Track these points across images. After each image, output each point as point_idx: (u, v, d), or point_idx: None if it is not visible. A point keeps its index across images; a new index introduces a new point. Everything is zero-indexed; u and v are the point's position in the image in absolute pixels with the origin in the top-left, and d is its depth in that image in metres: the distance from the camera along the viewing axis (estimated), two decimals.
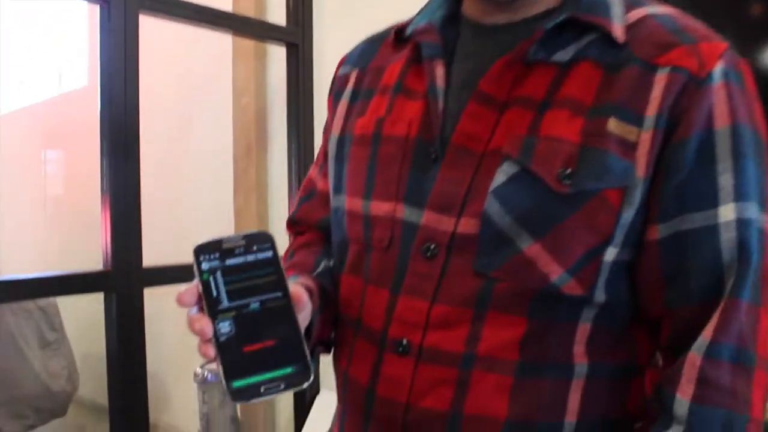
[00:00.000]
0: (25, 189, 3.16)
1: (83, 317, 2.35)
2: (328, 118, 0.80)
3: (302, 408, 1.89)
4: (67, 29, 2.91)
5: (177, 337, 2.32)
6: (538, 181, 0.59)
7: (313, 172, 0.85)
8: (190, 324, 0.54)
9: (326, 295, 0.72)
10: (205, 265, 0.55)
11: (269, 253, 0.56)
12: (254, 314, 0.54)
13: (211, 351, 0.53)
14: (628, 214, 0.58)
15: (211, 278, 0.55)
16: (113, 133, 1.41)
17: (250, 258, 0.56)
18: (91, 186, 1.45)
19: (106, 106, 1.40)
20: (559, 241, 0.59)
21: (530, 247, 0.59)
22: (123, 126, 1.42)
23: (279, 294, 0.55)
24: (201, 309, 0.55)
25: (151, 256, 1.52)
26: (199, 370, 1.98)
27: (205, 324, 0.53)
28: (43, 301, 2.34)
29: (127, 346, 1.44)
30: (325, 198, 0.80)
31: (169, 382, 2.52)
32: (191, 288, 0.55)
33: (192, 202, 2.35)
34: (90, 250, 1.49)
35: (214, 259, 0.55)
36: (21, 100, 3.15)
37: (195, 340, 0.54)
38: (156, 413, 2.47)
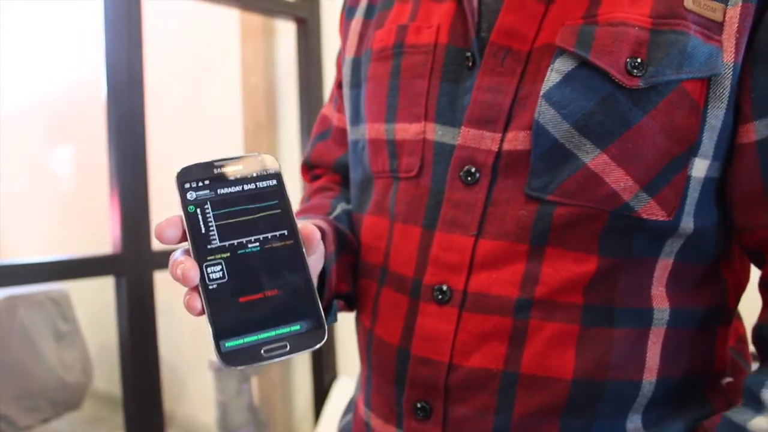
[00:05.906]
0: (36, 181, 3.14)
1: (96, 309, 2.33)
2: (341, 44, 0.70)
3: (321, 395, 1.84)
4: (73, 14, 2.87)
5: (190, 327, 2.30)
6: (602, 75, 0.49)
7: (326, 108, 0.76)
8: (172, 268, 0.43)
9: (344, 239, 0.62)
10: (190, 195, 0.45)
11: (272, 182, 0.47)
12: (253, 256, 0.44)
13: (198, 302, 0.42)
14: (716, 114, 0.49)
15: (199, 211, 0.45)
16: (119, 115, 1.38)
17: (249, 187, 0.46)
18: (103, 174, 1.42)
19: (112, 88, 1.38)
20: (632, 149, 0.48)
21: (596, 160, 0.49)
22: (129, 106, 1.39)
23: (284, 232, 0.45)
24: (187, 252, 0.45)
25: None
26: (214, 358, 1.94)
27: (190, 267, 0.42)
28: (55, 293, 2.32)
29: (139, 331, 1.41)
30: (341, 135, 0.72)
31: (185, 373, 2.49)
32: (174, 218, 0.44)
33: None
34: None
35: (203, 187, 0.46)
36: (31, 89, 3.12)
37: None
38: (172, 404, 2.45)
